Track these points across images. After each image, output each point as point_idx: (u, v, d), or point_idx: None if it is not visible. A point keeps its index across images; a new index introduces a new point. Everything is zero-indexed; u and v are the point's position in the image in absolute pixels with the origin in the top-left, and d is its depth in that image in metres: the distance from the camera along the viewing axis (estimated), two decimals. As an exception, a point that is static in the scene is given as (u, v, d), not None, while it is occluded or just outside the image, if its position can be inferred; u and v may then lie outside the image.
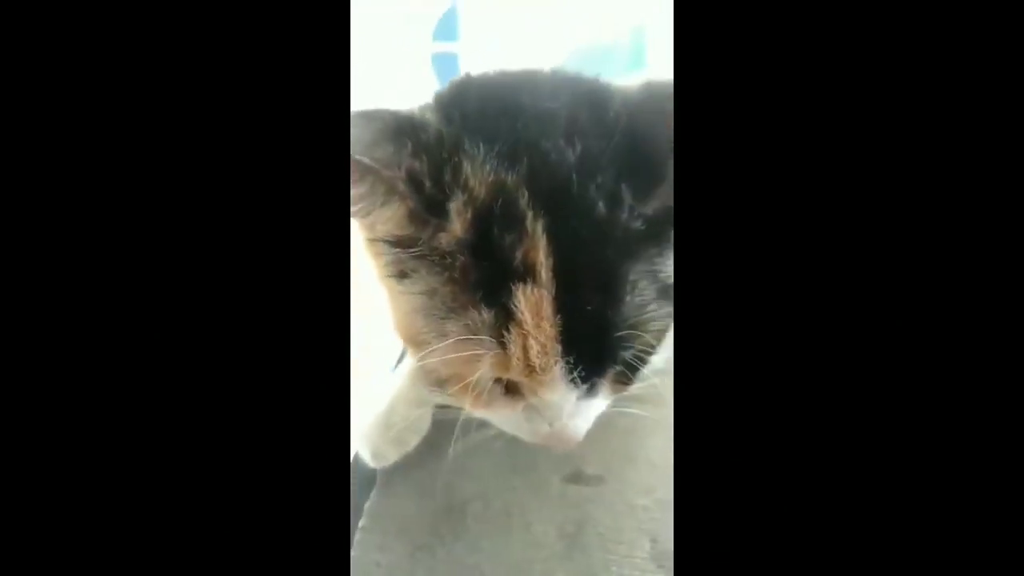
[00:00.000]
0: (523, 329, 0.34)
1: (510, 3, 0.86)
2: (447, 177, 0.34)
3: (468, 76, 0.40)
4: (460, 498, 0.47)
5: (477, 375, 0.35)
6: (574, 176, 0.34)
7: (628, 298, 0.35)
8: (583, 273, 0.34)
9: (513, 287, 0.33)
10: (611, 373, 0.38)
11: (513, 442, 0.43)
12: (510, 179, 0.34)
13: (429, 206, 0.34)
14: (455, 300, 0.35)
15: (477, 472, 0.48)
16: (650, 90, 0.37)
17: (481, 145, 0.34)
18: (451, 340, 0.35)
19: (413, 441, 0.47)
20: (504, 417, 0.40)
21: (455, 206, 0.34)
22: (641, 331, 0.35)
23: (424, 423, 0.47)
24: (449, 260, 0.34)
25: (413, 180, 0.34)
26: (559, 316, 0.34)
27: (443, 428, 0.46)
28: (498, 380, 0.37)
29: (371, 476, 0.49)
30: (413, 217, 0.35)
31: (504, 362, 0.35)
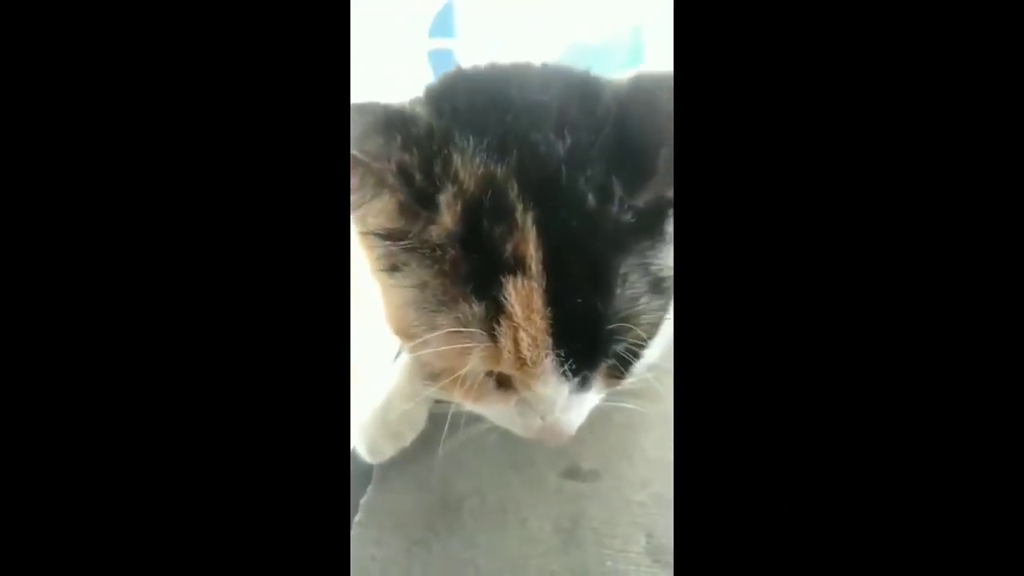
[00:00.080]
0: (513, 322, 0.33)
1: (507, 0, 0.87)
2: (437, 170, 0.34)
3: (459, 69, 0.40)
4: (456, 493, 0.47)
5: (468, 368, 0.35)
6: (564, 168, 0.34)
7: (619, 291, 0.35)
8: (573, 266, 0.34)
9: (503, 280, 0.33)
10: (603, 367, 0.38)
11: (509, 437, 0.43)
12: (500, 171, 0.34)
13: (419, 199, 0.34)
14: (446, 293, 0.35)
15: (473, 467, 0.48)
16: (641, 83, 0.36)
17: (471, 138, 0.34)
18: (441, 332, 0.35)
19: (409, 436, 0.47)
20: (497, 411, 0.40)
21: (445, 199, 0.34)
22: (632, 324, 0.35)
23: (420, 418, 0.47)
24: (439, 253, 0.34)
25: (403, 173, 0.34)
26: (549, 309, 0.33)
27: (439, 423, 0.46)
28: (490, 373, 0.37)
29: (367, 471, 0.49)
30: (403, 210, 0.35)
31: (495, 355, 0.35)
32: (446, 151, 0.34)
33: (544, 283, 0.33)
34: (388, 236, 0.36)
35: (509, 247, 0.33)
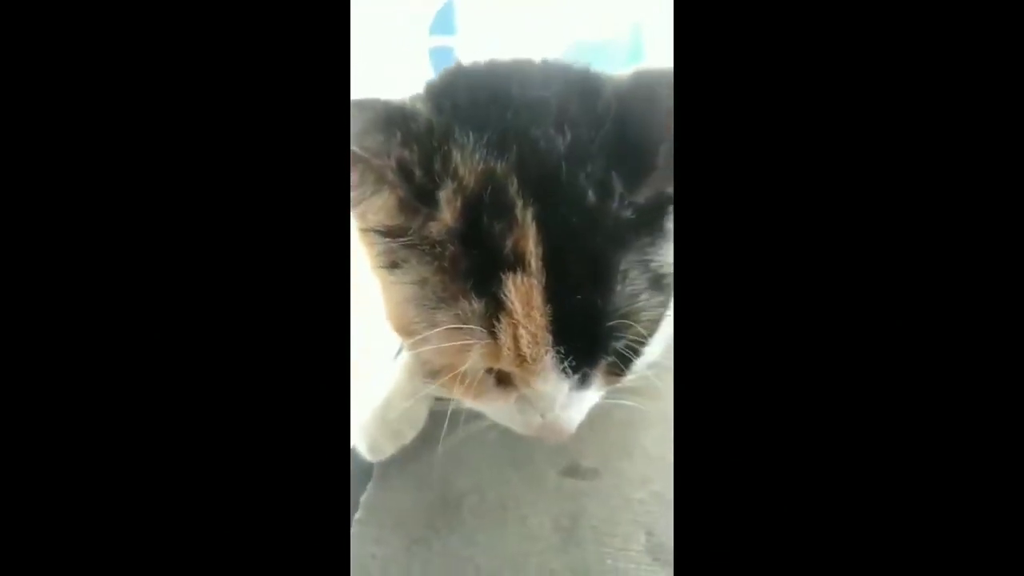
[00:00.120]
0: (513, 319, 0.33)
1: (507, -3, 0.87)
2: (437, 166, 0.34)
3: (459, 66, 0.40)
4: (456, 491, 0.47)
5: (468, 365, 0.35)
6: (564, 164, 0.34)
7: (619, 288, 0.35)
8: (573, 262, 0.34)
9: (503, 276, 0.33)
10: (603, 364, 0.37)
11: (509, 435, 0.43)
12: (500, 168, 0.34)
13: (419, 195, 0.34)
14: (445, 290, 0.35)
15: (473, 465, 0.48)
16: (641, 79, 0.36)
17: (471, 134, 0.34)
18: (441, 329, 0.35)
19: (410, 434, 0.47)
20: (497, 408, 0.40)
21: (445, 195, 0.34)
22: (632, 321, 0.35)
23: (421, 416, 0.47)
24: (439, 249, 0.34)
25: (403, 169, 0.34)
26: (549, 306, 0.33)
27: (439, 421, 0.46)
28: (489, 370, 0.37)
29: (367, 469, 0.49)
30: (403, 206, 0.35)
31: (495, 352, 0.34)
32: (446, 147, 0.34)
33: (544, 280, 0.33)
34: (388, 233, 0.36)
35: (509, 243, 0.33)
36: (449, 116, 0.35)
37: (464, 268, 0.34)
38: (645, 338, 0.37)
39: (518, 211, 0.33)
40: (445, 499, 0.47)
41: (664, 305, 0.37)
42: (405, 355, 0.48)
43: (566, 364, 0.35)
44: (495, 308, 0.33)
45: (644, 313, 0.36)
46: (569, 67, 0.39)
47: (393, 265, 0.37)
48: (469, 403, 0.41)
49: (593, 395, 0.40)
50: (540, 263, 0.33)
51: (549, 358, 0.34)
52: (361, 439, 0.47)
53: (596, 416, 0.42)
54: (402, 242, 0.36)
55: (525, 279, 0.33)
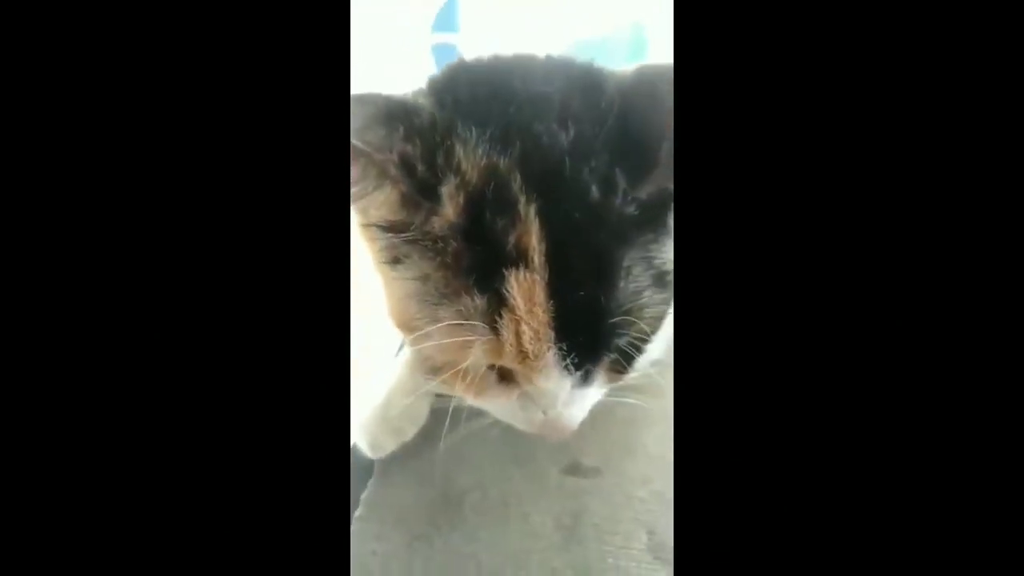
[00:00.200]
0: (516, 315, 0.33)
1: (510, -5, 0.87)
2: (439, 161, 0.34)
3: (462, 61, 0.40)
4: (458, 488, 0.47)
5: (469, 361, 0.35)
6: (567, 160, 0.34)
7: (622, 284, 0.34)
8: (576, 258, 0.33)
9: (506, 272, 0.33)
10: (606, 361, 0.37)
11: (510, 432, 0.43)
12: (503, 163, 0.34)
13: (421, 190, 0.34)
14: (447, 285, 0.35)
15: (474, 462, 0.48)
16: (644, 75, 0.36)
17: (474, 129, 0.34)
18: (443, 325, 0.34)
19: (411, 431, 0.47)
20: (499, 405, 0.40)
21: (447, 190, 0.34)
22: (635, 318, 0.35)
23: (422, 413, 0.47)
24: (441, 245, 0.34)
25: (405, 164, 0.34)
26: (552, 302, 0.33)
27: (441, 418, 0.46)
28: (491, 367, 0.37)
29: (369, 466, 0.49)
30: (406, 201, 0.35)
31: (497, 348, 0.34)
32: (449, 142, 0.34)
33: (546, 276, 0.33)
34: (390, 228, 0.36)
35: (511, 239, 0.33)
36: (452, 111, 0.35)
37: (466, 264, 0.34)
38: (648, 335, 0.37)
39: (521, 207, 0.33)
40: (447, 496, 0.47)
41: (667, 302, 0.37)
42: (407, 352, 0.48)
43: (568, 361, 0.35)
44: (497, 304, 0.33)
45: (647, 310, 0.36)
46: (572, 62, 0.39)
47: (395, 261, 0.37)
48: (471, 400, 0.41)
49: (595, 392, 0.40)
50: (543, 259, 0.33)
51: (551, 355, 0.34)
52: (362, 436, 0.47)
53: (598, 414, 0.41)
54: (404, 238, 0.35)
55: (528, 275, 0.33)
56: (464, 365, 0.36)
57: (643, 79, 0.36)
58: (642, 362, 0.39)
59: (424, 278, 0.35)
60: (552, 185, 0.33)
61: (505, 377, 0.38)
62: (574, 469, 0.48)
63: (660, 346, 0.40)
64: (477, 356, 0.35)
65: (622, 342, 0.36)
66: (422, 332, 0.36)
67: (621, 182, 0.34)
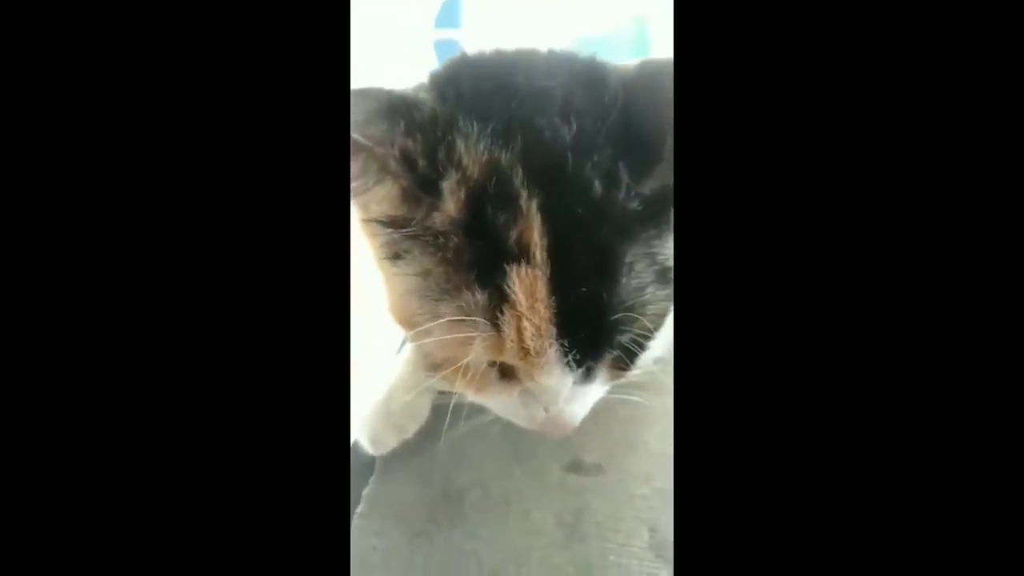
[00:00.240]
0: (517, 311, 0.33)
1: (513, -9, 0.86)
2: (441, 156, 0.34)
3: (464, 55, 0.40)
4: (459, 485, 0.47)
5: (470, 358, 0.35)
6: (569, 155, 0.33)
7: (624, 280, 0.34)
8: (578, 254, 0.33)
9: (507, 268, 0.33)
10: (607, 358, 0.37)
11: (512, 429, 0.42)
12: (504, 158, 0.33)
13: (423, 185, 0.34)
14: (449, 281, 0.34)
15: (476, 459, 0.48)
16: (647, 69, 0.36)
17: (475, 123, 0.34)
18: (444, 321, 0.34)
19: (412, 428, 0.47)
20: (500, 402, 0.40)
21: (448, 185, 0.33)
22: (638, 314, 0.35)
23: (423, 409, 0.47)
24: (442, 240, 0.34)
25: (406, 159, 0.33)
26: (554, 298, 0.33)
27: (442, 415, 0.45)
28: (492, 364, 0.37)
29: (369, 463, 0.49)
30: (406, 196, 0.35)
31: (498, 345, 0.34)
32: (450, 137, 0.34)
33: (548, 271, 0.33)
34: (391, 223, 0.36)
35: (513, 235, 0.33)
36: (453, 105, 0.35)
37: (468, 259, 0.34)
38: (650, 332, 0.37)
39: (523, 202, 0.33)
40: (447, 493, 0.47)
41: (670, 299, 0.37)
42: (409, 348, 0.47)
43: (570, 358, 0.34)
44: (499, 300, 0.33)
45: (650, 306, 0.35)
46: (575, 57, 0.39)
47: (396, 256, 0.37)
48: (472, 397, 0.40)
49: (597, 390, 0.40)
50: (545, 255, 0.33)
51: (553, 351, 0.34)
52: (363, 433, 0.47)
53: (600, 411, 0.41)
54: (405, 233, 0.35)
55: (529, 271, 0.33)
56: (465, 361, 0.35)
57: (646, 74, 0.36)
58: (644, 359, 0.39)
59: (425, 274, 0.35)
60: (554, 180, 0.33)
61: (506, 374, 0.38)
62: (575, 466, 0.47)
63: (663, 343, 0.40)
64: (478, 352, 0.35)
65: (624, 339, 0.36)
66: (423, 328, 0.36)
67: (624, 177, 0.34)
